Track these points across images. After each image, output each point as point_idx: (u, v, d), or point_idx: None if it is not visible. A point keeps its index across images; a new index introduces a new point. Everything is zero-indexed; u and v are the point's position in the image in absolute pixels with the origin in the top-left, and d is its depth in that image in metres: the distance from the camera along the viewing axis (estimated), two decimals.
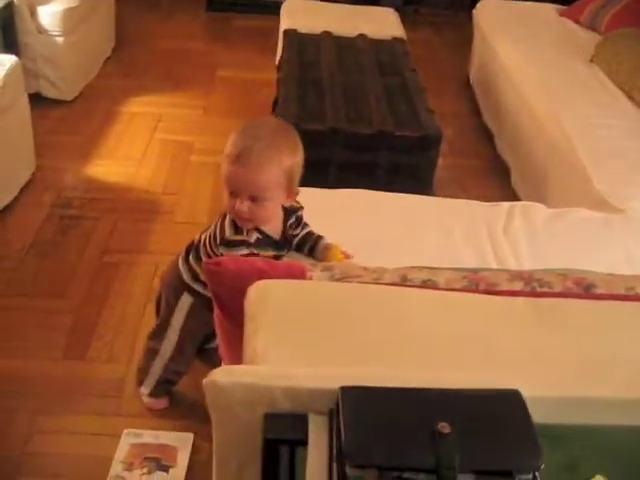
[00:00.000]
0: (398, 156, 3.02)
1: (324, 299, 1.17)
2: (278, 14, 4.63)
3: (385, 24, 4.29)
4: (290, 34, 3.97)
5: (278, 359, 1.03)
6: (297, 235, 1.96)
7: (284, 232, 1.88)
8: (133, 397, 2.29)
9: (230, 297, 1.27)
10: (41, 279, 2.75)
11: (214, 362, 2.33)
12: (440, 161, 3.12)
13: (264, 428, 0.95)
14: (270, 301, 1.14)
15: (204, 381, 1.00)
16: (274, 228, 1.84)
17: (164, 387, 2.23)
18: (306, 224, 1.98)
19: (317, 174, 2.60)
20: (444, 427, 0.83)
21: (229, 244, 1.75)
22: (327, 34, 3.99)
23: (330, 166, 3.02)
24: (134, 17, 5.21)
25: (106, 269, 2.83)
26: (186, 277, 1.97)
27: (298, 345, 1.07)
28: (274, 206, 1.77)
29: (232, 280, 1.25)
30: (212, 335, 2.26)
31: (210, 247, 1.85)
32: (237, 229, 1.76)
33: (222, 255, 1.75)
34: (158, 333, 2.11)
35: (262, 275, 1.23)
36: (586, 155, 2.82)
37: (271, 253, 1.82)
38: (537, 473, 0.82)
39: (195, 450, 2.13)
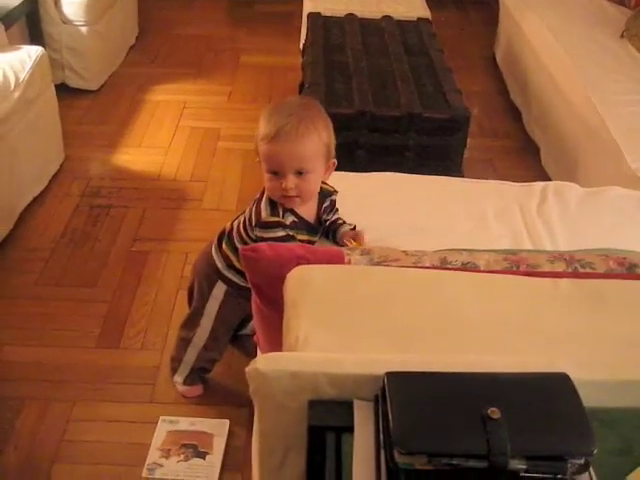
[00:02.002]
0: (427, 138, 2.99)
1: (365, 284, 1.15)
2: None
3: (410, 5, 4.23)
4: (314, 17, 3.94)
5: (320, 345, 1.02)
6: (328, 220, 1.95)
7: (318, 216, 1.88)
8: (167, 384, 2.30)
9: (268, 284, 1.26)
10: (73, 268, 2.77)
11: (247, 348, 2.35)
12: (469, 141, 3.09)
13: (309, 415, 0.94)
14: (310, 287, 1.13)
15: (247, 369, 0.99)
16: (309, 211, 1.84)
17: (198, 375, 2.23)
18: (336, 210, 1.97)
19: (346, 157, 2.58)
20: (494, 412, 0.82)
21: (265, 225, 1.75)
22: (351, 16, 3.95)
23: (358, 149, 3.00)
24: (156, 5, 5.19)
25: (136, 257, 2.83)
26: (220, 265, 1.96)
27: (340, 331, 1.06)
28: (317, 179, 1.77)
29: (270, 267, 1.24)
30: (245, 321, 2.27)
31: (245, 231, 1.85)
32: (273, 211, 1.76)
33: (258, 238, 1.75)
34: (191, 322, 2.11)
35: (300, 261, 1.22)
36: (618, 132, 2.77)
37: (305, 237, 1.82)
38: (590, 458, 0.81)
39: (231, 436, 2.14)
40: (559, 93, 3.29)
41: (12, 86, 2.82)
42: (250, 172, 3.32)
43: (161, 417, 2.17)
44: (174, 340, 2.27)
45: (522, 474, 0.80)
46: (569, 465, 0.80)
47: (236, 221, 1.93)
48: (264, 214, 1.76)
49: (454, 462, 0.80)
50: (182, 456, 2.06)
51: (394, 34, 3.73)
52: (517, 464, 0.79)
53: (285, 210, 1.77)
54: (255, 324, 1.52)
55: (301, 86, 3.56)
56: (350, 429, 0.91)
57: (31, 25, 3.67)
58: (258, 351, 1.87)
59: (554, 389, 0.86)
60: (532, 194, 2.29)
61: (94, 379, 2.32)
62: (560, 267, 1.23)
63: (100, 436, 2.14)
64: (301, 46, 4.27)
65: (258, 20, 5.17)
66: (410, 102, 3.02)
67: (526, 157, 3.55)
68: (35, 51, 3.08)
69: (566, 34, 3.56)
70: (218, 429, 2.14)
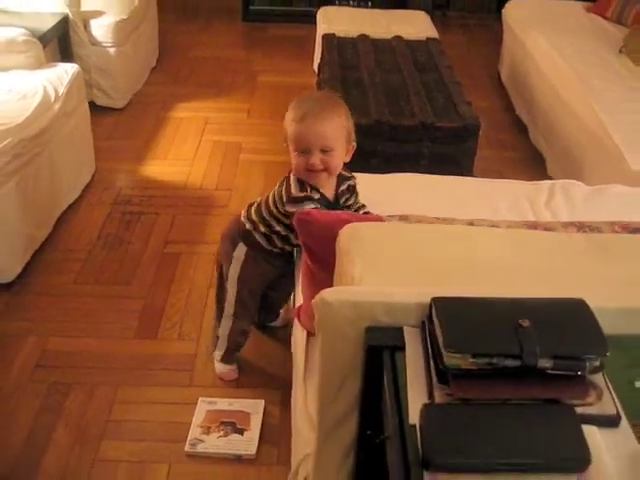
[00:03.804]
0: (440, 146, 3.18)
1: (406, 235, 1.33)
2: (310, 22, 4.86)
3: (418, 26, 4.47)
4: (329, 38, 4.16)
5: (373, 283, 1.20)
6: (351, 206, 2.14)
7: (336, 196, 2.08)
8: (204, 370, 2.46)
9: (318, 244, 1.44)
10: (109, 269, 2.95)
11: (279, 337, 2.53)
12: (477, 153, 3.28)
13: (367, 337, 1.11)
14: (361, 239, 1.31)
15: (314, 301, 1.17)
16: (329, 191, 2.05)
17: (233, 352, 2.40)
18: (356, 194, 2.17)
19: (363, 165, 2.78)
20: (524, 322, 0.99)
21: (296, 200, 1.96)
22: (364, 37, 4.17)
23: (375, 158, 3.19)
24: (174, 29, 5.45)
25: (168, 259, 3.01)
26: (248, 226, 2.17)
27: (389, 271, 1.24)
28: (340, 157, 1.99)
29: (320, 229, 1.43)
30: (272, 312, 2.47)
31: (275, 206, 2.07)
32: (302, 188, 1.97)
33: (289, 212, 1.96)
34: (220, 291, 2.32)
35: (344, 224, 1.40)
36: (620, 138, 2.96)
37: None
38: (604, 359, 0.98)
39: (266, 414, 2.30)
40: (563, 105, 3.50)
41: (52, 99, 3.02)
42: (272, 181, 3.49)
43: (200, 398, 2.33)
44: (209, 329, 2.45)
45: (548, 372, 0.97)
46: (587, 364, 0.97)
47: (263, 197, 2.16)
48: (294, 191, 1.98)
49: (493, 361, 0.97)
50: (222, 432, 2.22)
51: (405, 52, 3.94)
52: (545, 363, 0.97)
53: (312, 187, 1.98)
54: (302, 283, 1.70)
55: None
56: (402, 349, 1.08)
57: (62, 46, 3.89)
58: (294, 325, 2.05)
59: (573, 308, 1.04)
60: (541, 191, 2.47)
61: (135, 366, 2.48)
62: (572, 230, 1.40)
63: (144, 416, 2.30)
64: (315, 66, 4.49)
65: (272, 43, 5.41)
66: (423, 113, 3.22)
67: (532, 167, 3.74)
68: (71, 68, 3.29)
69: (568, 50, 3.78)
70: (254, 408, 2.30)
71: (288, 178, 2.03)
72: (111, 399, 2.35)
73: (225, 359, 2.41)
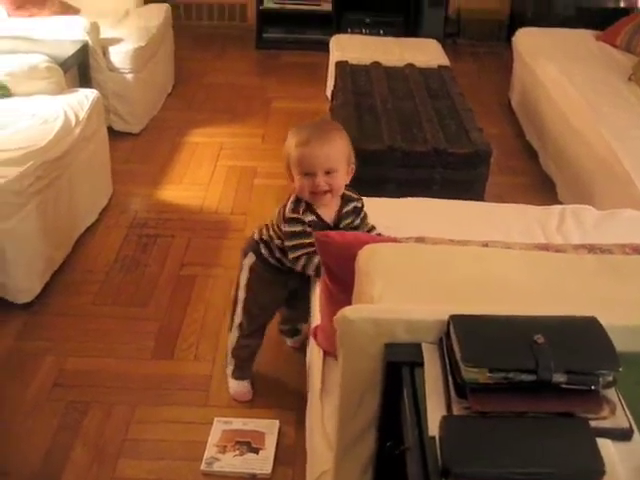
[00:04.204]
0: (451, 172, 3.23)
1: (423, 256, 1.38)
2: (323, 50, 4.95)
3: (430, 54, 4.54)
4: (342, 65, 4.23)
5: (392, 302, 1.24)
6: (358, 227, 2.20)
7: (338, 217, 2.15)
8: (220, 390, 2.50)
9: (337, 264, 1.49)
10: (126, 290, 3.00)
11: (293, 359, 2.58)
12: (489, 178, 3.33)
13: (386, 354, 1.15)
14: (380, 259, 1.35)
15: (335, 317, 1.21)
16: (329, 212, 2.13)
17: (243, 368, 2.45)
18: (364, 216, 2.24)
19: (376, 191, 2.84)
20: (539, 338, 1.03)
21: (287, 220, 2.09)
22: (376, 64, 4.24)
23: (388, 183, 3.23)
24: (189, 56, 5.55)
25: (184, 281, 3.06)
26: (256, 236, 2.27)
27: (407, 290, 1.28)
28: (342, 178, 2.08)
29: (339, 249, 1.47)
30: (290, 329, 2.53)
31: (277, 226, 2.17)
32: (295, 209, 2.08)
33: (283, 231, 2.10)
34: (233, 302, 2.38)
35: (362, 245, 1.45)
36: (630, 165, 3.00)
37: None
38: (615, 374, 1.02)
39: (281, 435, 2.33)
40: (573, 131, 3.55)
41: (73, 124, 3.09)
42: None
43: (216, 418, 2.36)
44: (225, 351, 2.50)
45: (563, 386, 1.01)
46: (600, 379, 1.01)
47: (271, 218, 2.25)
48: (288, 211, 2.09)
49: (510, 376, 1.01)
50: (237, 451, 2.25)
51: (417, 80, 4.01)
52: (559, 377, 1.00)
53: (306, 209, 2.07)
54: (320, 303, 1.74)
55: None
56: (420, 364, 1.12)
57: (81, 72, 3.97)
58: (310, 345, 2.09)
59: (586, 326, 1.08)
60: (552, 215, 2.52)
61: (152, 385, 2.52)
62: (582, 252, 1.45)
63: (160, 435, 2.34)
64: (328, 92, 4.56)
65: (285, 70, 5.51)
66: (435, 139, 3.27)
67: (543, 192, 3.79)
68: (91, 93, 3.38)
69: (578, 78, 3.84)
70: (269, 428, 2.33)
71: (289, 198, 2.13)
72: (128, 418, 2.39)
73: (236, 374, 2.45)
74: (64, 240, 3.09)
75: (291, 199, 2.12)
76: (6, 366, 2.59)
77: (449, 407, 1.03)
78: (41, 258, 2.87)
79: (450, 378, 1.06)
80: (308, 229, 2.06)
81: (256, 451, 2.26)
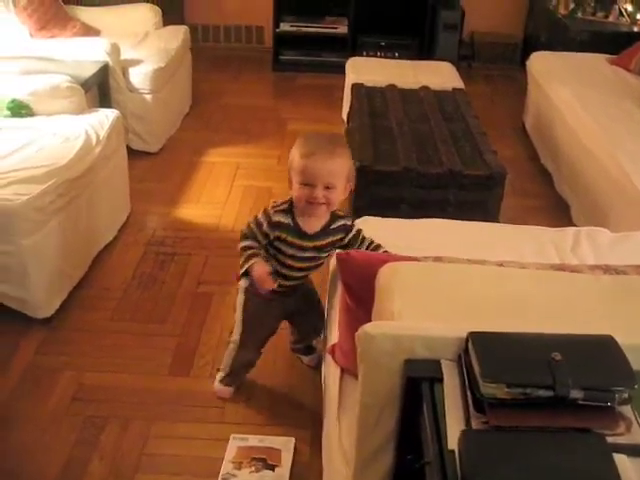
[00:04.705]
0: (466, 193, 3.26)
1: (443, 274, 1.41)
2: (338, 72, 5.01)
3: (444, 76, 4.59)
4: (357, 87, 4.29)
5: (412, 319, 1.27)
6: (347, 245, 2.22)
7: (324, 231, 2.22)
8: (236, 408, 2.52)
9: (357, 283, 1.52)
10: (143, 307, 3.03)
11: (308, 377, 2.59)
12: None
13: (405, 370, 1.18)
14: (400, 277, 1.38)
15: (357, 333, 1.24)
16: (315, 224, 2.22)
17: (233, 378, 2.54)
18: (356, 234, 2.27)
19: (391, 211, 2.89)
20: (557, 355, 1.06)
21: (264, 210, 2.27)
22: (392, 87, 4.29)
23: (403, 204, 3.27)
24: (206, 77, 5.63)
25: (202, 298, 3.10)
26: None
27: (426, 308, 1.31)
28: (340, 194, 2.16)
29: (359, 267, 1.51)
30: (303, 347, 2.57)
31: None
32: (276, 205, 2.25)
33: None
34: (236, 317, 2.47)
35: (382, 263, 1.48)
36: None
37: (295, 239, 2.21)
38: (632, 392, 1.04)
39: (296, 452, 2.35)
40: (588, 154, 3.58)
41: (94, 142, 3.15)
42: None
43: (232, 434, 2.38)
44: None
45: (580, 402, 1.03)
46: (616, 396, 1.03)
47: None
48: (270, 207, 2.26)
49: (527, 391, 1.03)
50: (253, 468, 2.27)
51: (432, 102, 4.06)
52: (576, 394, 1.03)
53: (287, 211, 2.21)
54: (339, 321, 1.76)
55: None
56: (439, 380, 1.15)
57: (101, 92, 4.04)
58: (326, 362, 2.11)
59: (602, 344, 1.11)
60: (566, 237, 2.54)
61: (169, 401, 2.55)
62: (598, 273, 1.47)
63: (177, 450, 2.36)
64: (343, 114, 4.61)
65: (301, 92, 5.57)
66: (450, 161, 3.31)
67: (557, 215, 3.81)
68: (111, 113, 3.43)
69: (593, 102, 3.88)
70: (285, 445, 2.35)
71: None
72: (145, 433, 2.41)
73: (225, 382, 2.55)
74: (83, 257, 3.13)
75: (282, 200, 2.25)
76: (25, 380, 2.62)
77: (468, 421, 1.06)
78: (60, 274, 2.92)
79: (469, 393, 1.08)
80: (277, 232, 2.20)
81: (272, 468, 2.28)
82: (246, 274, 2.29)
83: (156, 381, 2.65)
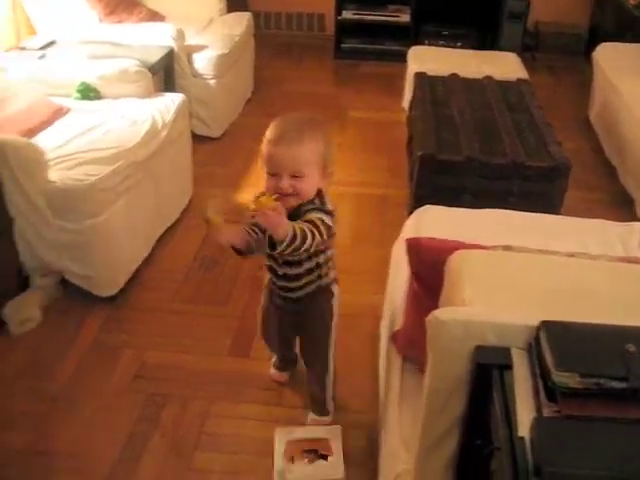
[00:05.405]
0: (529, 185, 3.23)
1: (513, 263, 1.41)
2: (399, 61, 4.99)
3: (508, 67, 4.54)
4: (420, 76, 4.26)
5: (482, 306, 1.27)
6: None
7: (295, 211, 1.97)
8: (293, 390, 2.55)
9: (426, 268, 1.52)
10: (205, 288, 3.08)
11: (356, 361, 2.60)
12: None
13: (476, 355, 1.19)
14: (471, 264, 1.39)
15: (427, 318, 1.25)
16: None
17: (283, 365, 2.59)
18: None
19: (453, 201, 2.86)
20: (631, 347, 1.05)
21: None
22: (454, 76, 4.25)
23: (465, 193, 3.25)
24: (269, 64, 5.66)
25: (261, 282, 3.12)
26: None
27: (496, 296, 1.31)
28: (311, 183, 1.96)
29: (429, 254, 1.51)
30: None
31: None
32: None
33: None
34: None
35: (452, 251, 1.48)
36: None
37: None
38: None
39: (351, 437, 2.36)
40: None
41: (160, 126, 3.20)
42: (362, 213, 3.63)
43: (277, 429, 2.35)
44: None
45: None
46: None
47: None
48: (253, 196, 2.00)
49: (600, 382, 1.03)
50: (306, 460, 2.25)
51: (496, 92, 4.01)
52: None
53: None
54: (406, 308, 1.77)
55: (409, 138, 3.87)
56: (508, 367, 1.15)
57: (166, 77, 4.10)
58: (386, 350, 2.11)
59: None
60: (633, 232, 2.49)
61: (228, 382, 2.59)
62: None
63: (235, 430, 2.40)
64: (404, 103, 4.60)
65: (362, 80, 5.56)
66: (514, 152, 3.27)
67: (621, 209, 3.74)
68: (177, 97, 3.48)
69: None
70: (332, 433, 2.32)
71: None
72: (205, 412, 2.46)
73: (276, 366, 2.60)
74: (147, 238, 3.20)
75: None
76: (90, 356, 2.70)
77: (539, 409, 1.06)
78: (126, 254, 2.98)
79: (540, 382, 1.08)
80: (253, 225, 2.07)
81: (325, 457, 2.27)
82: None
83: (216, 362, 2.69)
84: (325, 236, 1.96)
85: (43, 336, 2.79)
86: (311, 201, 1.99)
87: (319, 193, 2.01)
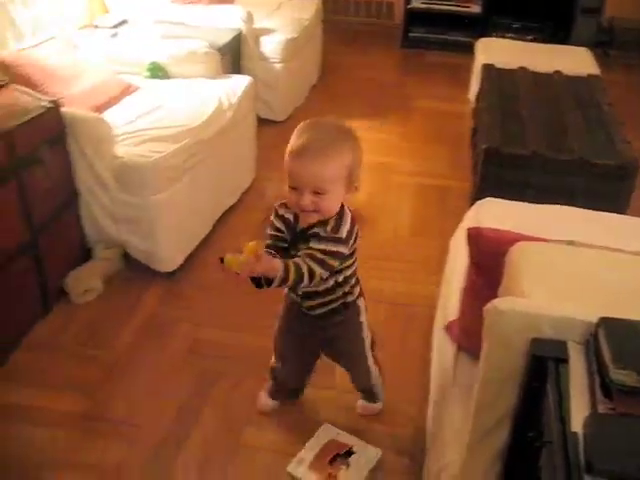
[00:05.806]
0: (595, 183, 3.16)
1: (574, 257, 1.39)
2: (467, 52, 4.95)
3: (579, 62, 4.44)
4: (488, 68, 4.21)
5: (540, 299, 1.26)
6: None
7: (306, 229, 1.88)
8: (344, 376, 2.55)
9: (486, 258, 1.51)
10: None
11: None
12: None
13: (532, 347, 1.18)
14: (532, 256, 1.38)
15: (485, 308, 1.24)
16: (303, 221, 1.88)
17: (278, 391, 2.42)
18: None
19: (516, 196, 2.81)
20: None
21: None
22: (523, 69, 4.19)
23: (529, 189, 3.20)
24: (336, 50, 5.67)
25: None
26: None
27: (556, 289, 1.30)
28: (335, 199, 1.79)
29: (490, 245, 1.50)
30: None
31: None
32: (281, 203, 1.94)
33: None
34: None
35: (513, 242, 1.47)
36: None
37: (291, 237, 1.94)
38: None
39: (397, 425, 2.36)
40: None
41: (226, 107, 3.24)
42: (423, 203, 3.62)
43: (325, 423, 2.34)
44: None
45: None
46: None
47: None
48: (278, 202, 1.97)
49: None
50: (343, 466, 2.22)
51: (565, 87, 3.93)
52: None
53: (280, 205, 1.94)
54: (463, 298, 1.76)
55: (474, 130, 3.83)
56: (564, 361, 1.14)
57: (234, 59, 4.14)
58: (440, 340, 2.10)
59: None
60: None
61: None
62: None
63: (284, 410, 2.42)
64: (470, 95, 4.55)
65: (428, 70, 5.53)
66: (581, 148, 3.21)
67: None
68: (244, 80, 3.52)
69: None
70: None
71: None
72: (256, 391, 2.48)
73: (271, 392, 2.43)
74: (207, 217, 3.24)
75: None
76: (147, 329, 2.76)
77: (594, 405, 1.04)
78: (186, 232, 3.03)
79: (596, 378, 1.07)
80: (275, 220, 1.95)
81: (349, 453, 2.24)
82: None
83: (269, 342, 2.70)
84: (332, 266, 1.82)
85: (103, 307, 2.87)
86: (325, 222, 1.82)
87: (340, 210, 1.84)
